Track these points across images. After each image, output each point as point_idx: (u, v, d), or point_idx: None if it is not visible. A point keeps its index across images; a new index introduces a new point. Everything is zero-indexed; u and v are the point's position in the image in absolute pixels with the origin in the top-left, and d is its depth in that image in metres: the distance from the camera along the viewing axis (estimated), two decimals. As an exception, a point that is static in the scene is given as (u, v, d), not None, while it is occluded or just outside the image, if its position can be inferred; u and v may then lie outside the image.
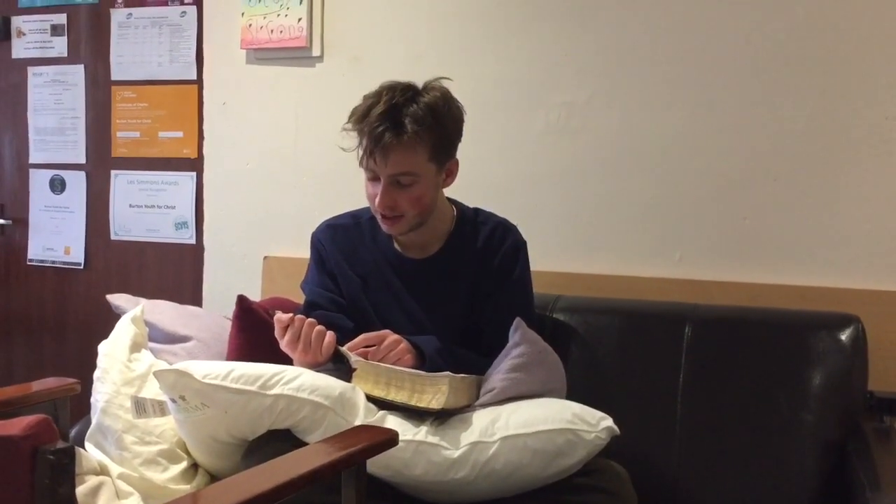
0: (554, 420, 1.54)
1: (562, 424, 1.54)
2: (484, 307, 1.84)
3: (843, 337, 1.84)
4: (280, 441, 1.51)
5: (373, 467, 1.42)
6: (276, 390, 1.51)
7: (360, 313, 1.85)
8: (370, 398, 1.58)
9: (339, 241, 1.90)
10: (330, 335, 1.68)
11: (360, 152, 1.73)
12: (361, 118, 1.71)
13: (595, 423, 1.56)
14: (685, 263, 2.21)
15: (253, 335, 1.95)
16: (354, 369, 1.63)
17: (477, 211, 1.93)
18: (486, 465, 1.51)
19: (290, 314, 1.70)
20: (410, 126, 1.67)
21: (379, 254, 1.87)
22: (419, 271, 1.85)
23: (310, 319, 1.69)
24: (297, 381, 1.53)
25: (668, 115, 2.22)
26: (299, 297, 2.06)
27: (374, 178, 1.75)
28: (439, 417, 1.57)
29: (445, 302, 1.84)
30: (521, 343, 1.70)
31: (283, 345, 1.70)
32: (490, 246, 1.86)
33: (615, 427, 1.58)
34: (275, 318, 1.71)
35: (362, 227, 1.91)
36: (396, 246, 1.87)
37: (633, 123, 2.25)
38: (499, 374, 1.68)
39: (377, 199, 1.74)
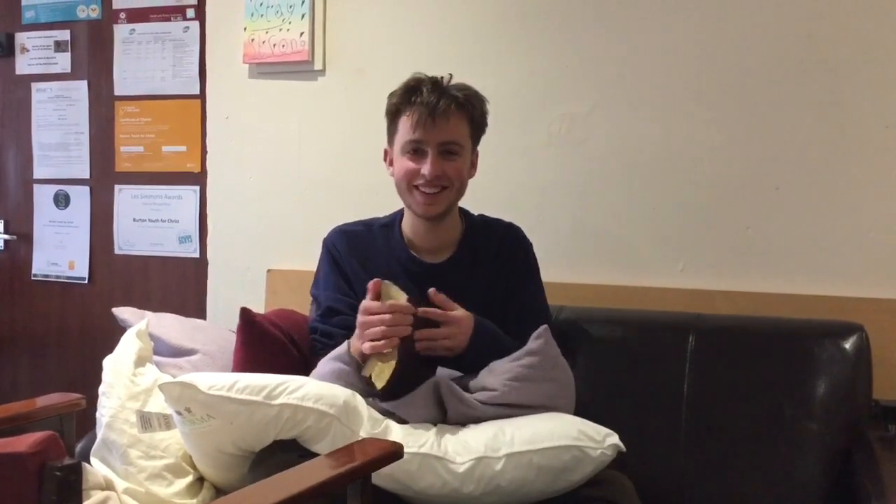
0: (560, 436, 1.54)
1: (568, 441, 1.53)
2: (506, 307, 1.85)
3: (847, 346, 1.84)
4: (286, 452, 1.51)
5: (378, 480, 1.42)
6: (280, 400, 1.51)
7: None
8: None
9: (353, 245, 1.91)
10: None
11: (400, 129, 1.81)
12: (412, 90, 1.79)
13: (601, 440, 1.56)
14: (688, 273, 2.21)
15: (257, 347, 1.95)
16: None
17: (483, 217, 1.98)
18: (492, 480, 1.50)
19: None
20: (461, 94, 1.79)
21: (393, 258, 1.88)
22: (434, 274, 1.84)
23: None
24: (301, 390, 1.53)
25: (670, 125, 2.22)
26: (304, 309, 2.07)
27: (416, 150, 1.80)
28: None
29: (461, 304, 1.81)
30: (536, 353, 1.67)
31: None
32: (504, 248, 1.91)
33: (621, 444, 1.58)
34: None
35: (374, 233, 1.93)
36: (411, 250, 1.88)
37: (635, 134, 2.25)
38: (502, 377, 1.66)
39: (427, 169, 1.78)
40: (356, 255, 1.90)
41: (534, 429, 1.56)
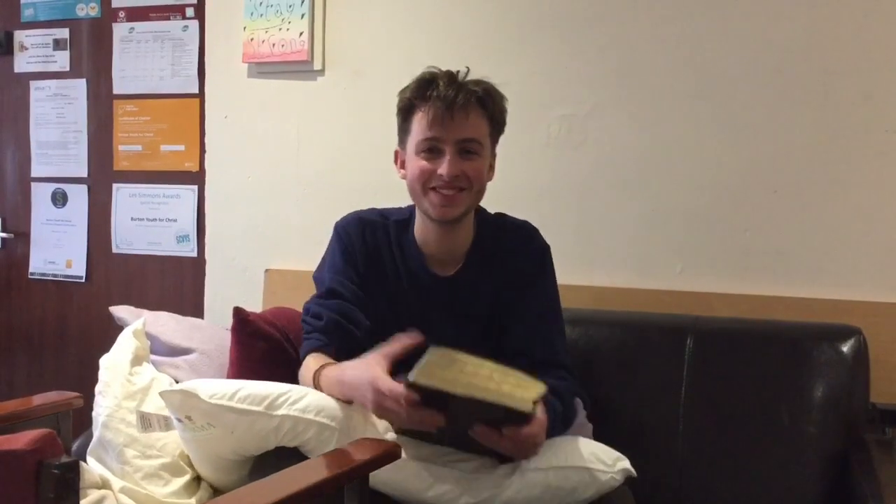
0: (572, 457, 1.52)
1: (579, 462, 1.52)
2: (511, 313, 1.75)
3: (845, 349, 1.84)
4: (287, 459, 1.48)
5: (386, 488, 1.42)
6: (282, 411, 1.49)
7: (378, 314, 1.75)
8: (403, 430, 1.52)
9: (368, 237, 1.79)
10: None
11: (414, 127, 1.67)
12: (426, 85, 1.66)
13: (611, 464, 1.54)
14: (686, 275, 2.21)
15: (251, 346, 1.94)
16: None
17: (499, 217, 1.85)
18: (500, 496, 1.49)
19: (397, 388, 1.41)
20: (480, 89, 1.67)
21: (402, 262, 1.77)
22: (442, 288, 1.76)
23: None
24: (303, 401, 1.50)
25: (669, 128, 2.22)
26: (301, 308, 2.06)
27: (432, 149, 1.66)
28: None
29: (468, 317, 1.76)
30: None
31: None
32: (514, 252, 1.78)
33: (632, 469, 1.56)
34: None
35: (389, 228, 1.80)
36: (424, 260, 1.77)
37: (634, 135, 2.25)
38: None
39: (444, 168, 1.64)
40: (368, 248, 1.78)
41: (546, 449, 1.52)
